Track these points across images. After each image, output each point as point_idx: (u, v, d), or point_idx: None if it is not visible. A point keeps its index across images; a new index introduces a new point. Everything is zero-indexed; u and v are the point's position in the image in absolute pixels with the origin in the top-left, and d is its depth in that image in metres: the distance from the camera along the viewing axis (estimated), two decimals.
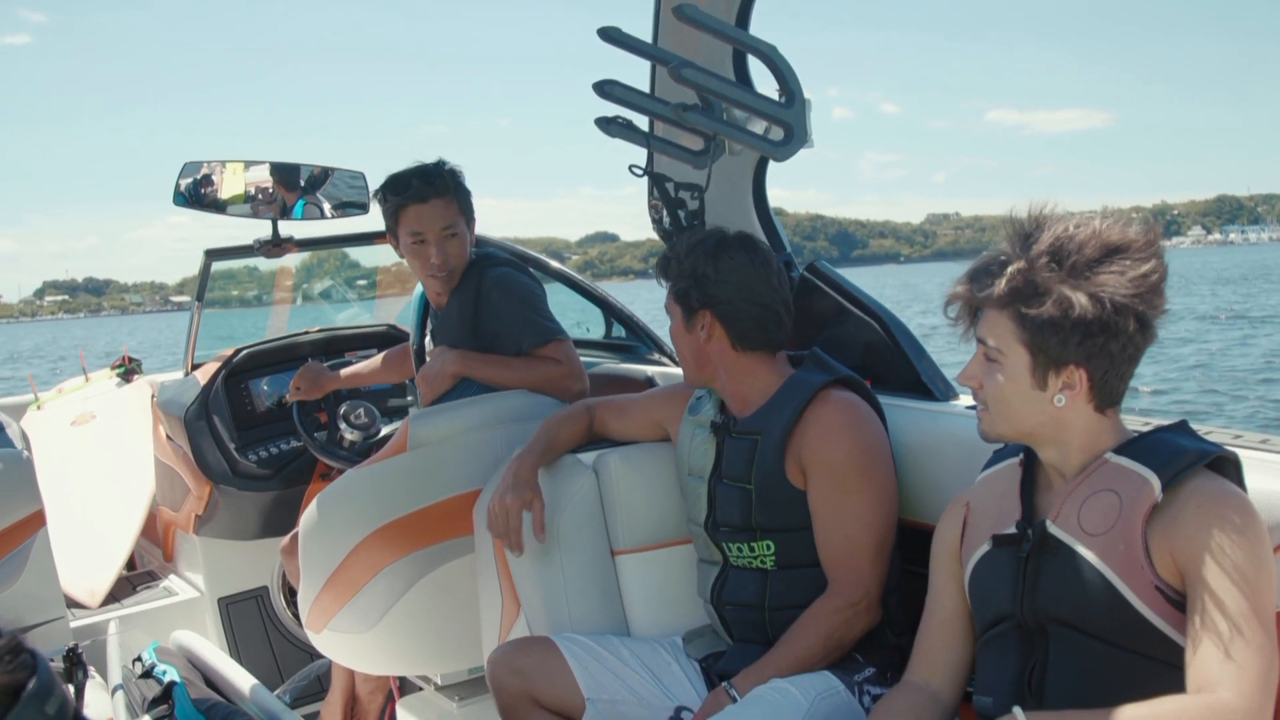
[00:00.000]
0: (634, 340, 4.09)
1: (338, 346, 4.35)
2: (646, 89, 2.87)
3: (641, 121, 2.98)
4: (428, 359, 3.27)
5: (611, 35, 2.70)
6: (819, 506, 2.31)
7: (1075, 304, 1.71)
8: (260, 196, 4.06)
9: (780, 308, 2.43)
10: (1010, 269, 1.75)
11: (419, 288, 3.38)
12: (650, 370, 3.69)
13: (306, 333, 4.42)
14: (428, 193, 3.10)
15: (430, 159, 3.18)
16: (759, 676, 2.25)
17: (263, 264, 4.85)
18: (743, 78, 3.06)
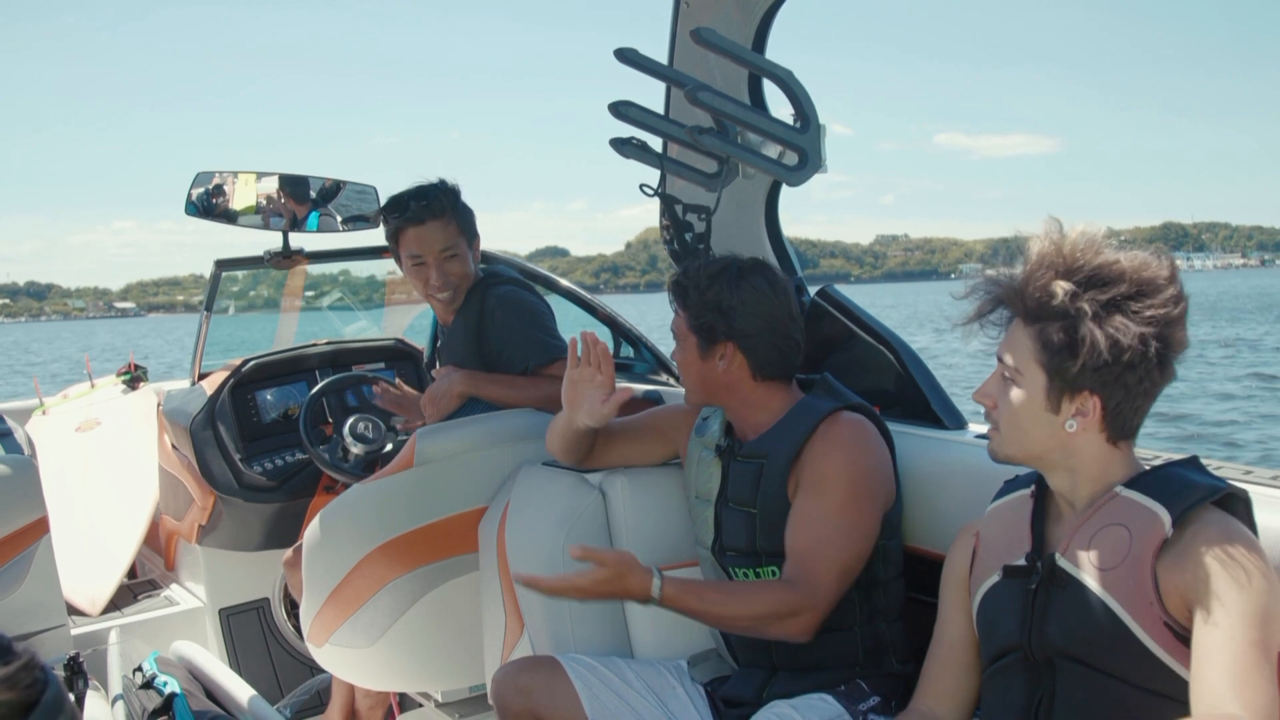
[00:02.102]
0: (639, 359, 4.09)
1: (345, 359, 4.35)
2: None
3: (655, 142, 2.99)
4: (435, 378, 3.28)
5: (628, 56, 2.70)
6: (797, 509, 2.26)
7: (1099, 336, 1.71)
8: (271, 207, 4.07)
9: (798, 335, 2.43)
10: (1055, 287, 1.75)
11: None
12: (654, 388, 3.69)
13: (314, 345, 4.42)
14: (424, 215, 3.10)
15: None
16: (685, 588, 2.15)
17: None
18: (758, 101, 3.07)
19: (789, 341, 2.40)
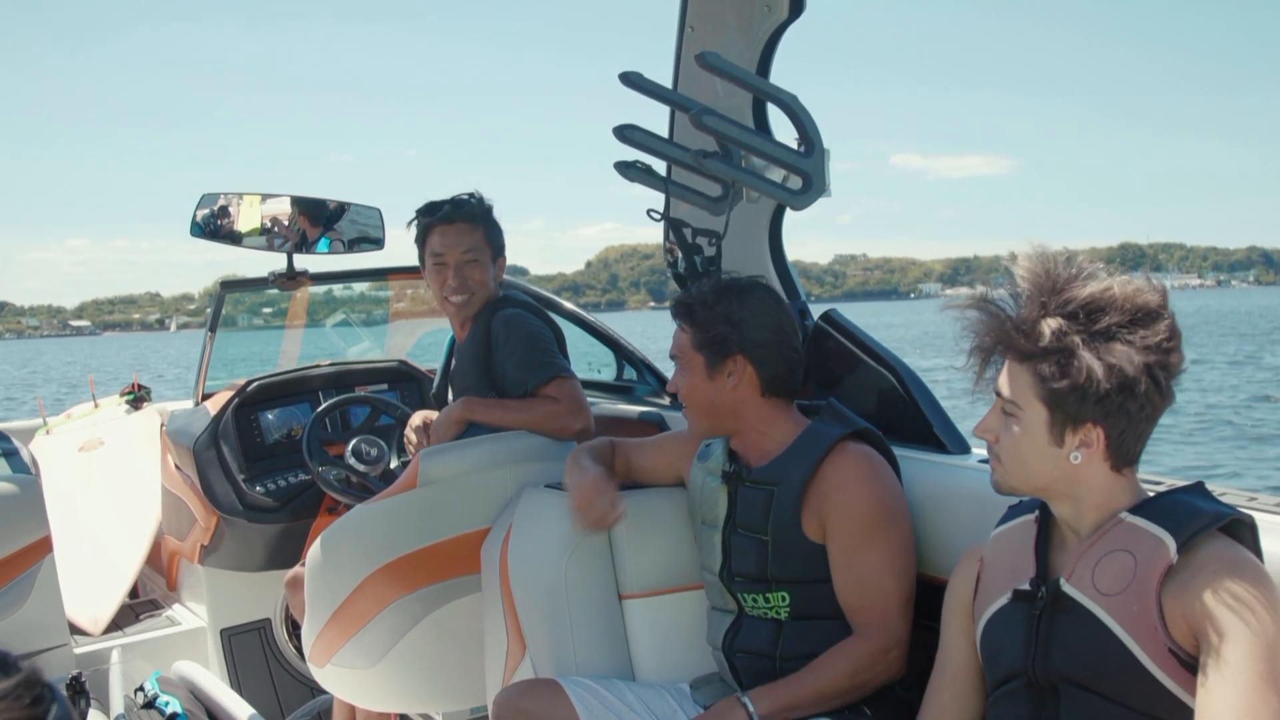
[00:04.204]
0: (641, 382, 4.10)
1: (348, 381, 4.36)
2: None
3: (659, 165, 3.00)
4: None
5: (632, 80, 2.72)
6: (841, 558, 2.29)
7: (1097, 367, 1.71)
8: (276, 229, 4.08)
9: (801, 350, 2.45)
10: (1047, 328, 1.75)
11: (451, 335, 3.40)
12: (653, 410, 3.69)
13: (317, 366, 4.44)
14: (455, 216, 3.18)
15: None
16: (778, 696, 2.24)
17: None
18: (762, 125, 3.08)
19: (795, 354, 2.43)
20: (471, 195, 3.24)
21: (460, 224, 3.17)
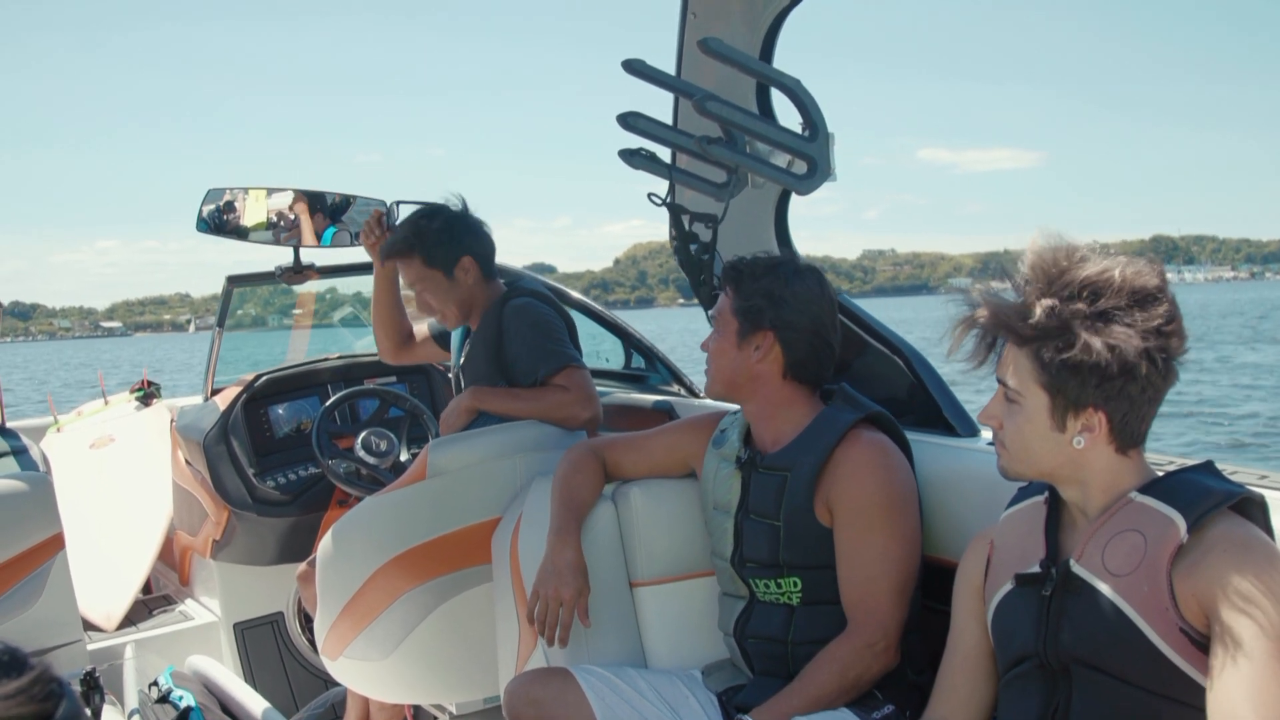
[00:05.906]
0: (650, 370, 4.09)
1: (357, 374, 4.36)
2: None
3: (664, 153, 2.99)
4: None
5: (635, 68, 2.71)
6: (843, 546, 2.30)
7: (1095, 349, 1.70)
8: (282, 223, 4.08)
9: (836, 344, 2.45)
10: (1040, 308, 1.74)
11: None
12: (665, 399, 3.68)
13: (326, 359, 4.44)
14: (387, 255, 3.25)
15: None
16: (775, 712, 2.24)
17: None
18: (766, 110, 3.07)
19: (826, 347, 2.42)
20: (409, 219, 3.25)
21: (398, 261, 3.23)
